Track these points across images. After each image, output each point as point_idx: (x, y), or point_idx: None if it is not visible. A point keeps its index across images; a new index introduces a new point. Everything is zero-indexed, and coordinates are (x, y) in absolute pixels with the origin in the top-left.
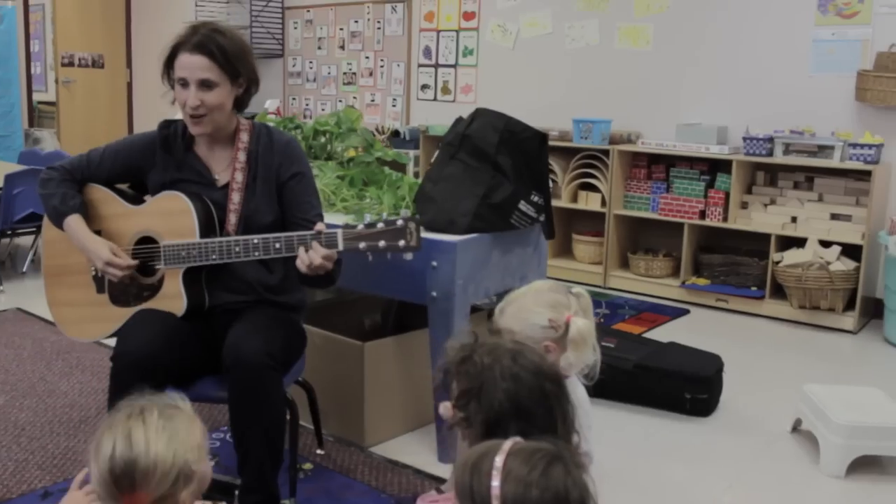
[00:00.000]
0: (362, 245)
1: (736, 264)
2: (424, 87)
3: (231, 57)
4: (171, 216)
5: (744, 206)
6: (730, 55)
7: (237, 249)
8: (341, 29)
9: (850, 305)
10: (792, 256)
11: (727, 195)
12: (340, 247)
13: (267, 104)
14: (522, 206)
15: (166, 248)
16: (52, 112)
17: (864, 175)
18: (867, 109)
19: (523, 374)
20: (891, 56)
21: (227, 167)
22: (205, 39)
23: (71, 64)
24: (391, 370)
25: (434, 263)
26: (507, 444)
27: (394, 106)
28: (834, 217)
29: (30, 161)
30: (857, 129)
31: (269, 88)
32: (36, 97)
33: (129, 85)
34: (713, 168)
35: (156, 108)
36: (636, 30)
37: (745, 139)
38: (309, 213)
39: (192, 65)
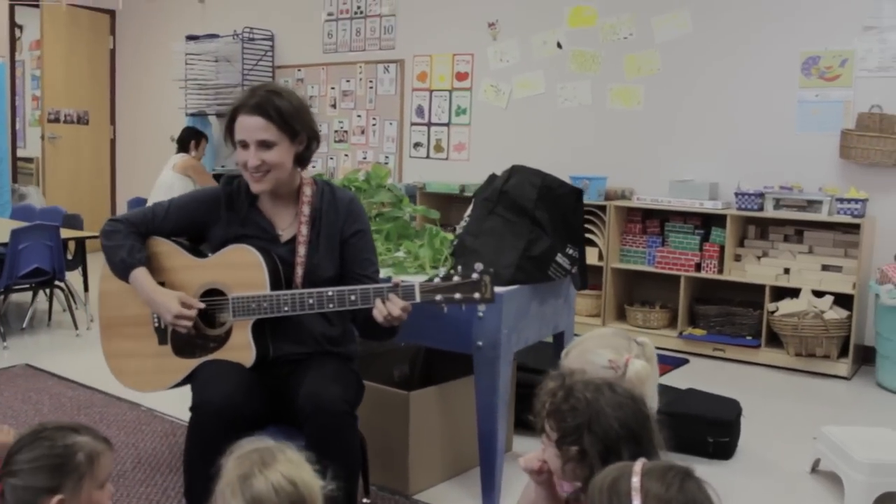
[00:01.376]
0: (439, 297)
1: (731, 314)
2: (417, 144)
3: (288, 117)
4: (239, 269)
5: (737, 258)
6: (719, 114)
7: (310, 301)
8: (333, 88)
9: (843, 352)
10: (787, 306)
11: (722, 248)
12: (418, 299)
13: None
14: (559, 258)
15: (235, 300)
16: (29, 168)
17: (852, 228)
18: (851, 166)
19: (625, 401)
20: (871, 116)
21: (290, 223)
22: (262, 101)
23: (57, 120)
24: (434, 419)
25: (480, 314)
26: (638, 466)
27: (386, 163)
28: (825, 268)
29: (23, 216)
30: (842, 184)
31: None
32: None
33: (113, 141)
34: (705, 223)
35: (138, 163)
36: (628, 90)
37: (736, 194)
38: (368, 270)
39: (251, 126)
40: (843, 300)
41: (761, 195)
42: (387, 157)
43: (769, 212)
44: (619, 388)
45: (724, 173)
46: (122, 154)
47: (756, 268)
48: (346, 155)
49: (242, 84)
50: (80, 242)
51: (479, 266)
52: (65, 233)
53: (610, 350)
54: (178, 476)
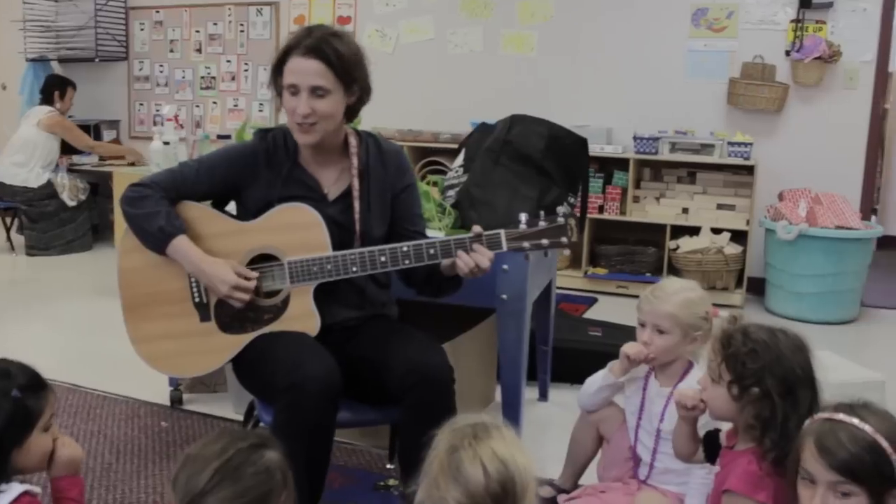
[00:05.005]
0: (526, 244)
1: (631, 253)
2: None
3: (347, 63)
4: (294, 230)
5: (636, 199)
6: (612, 61)
7: (382, 259)
8: (198, 31)
9: (737, 284)
10: (689, 244)
11: (624, 190)
12: (504, 247)
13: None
14: (564, 208)
15: (293, 264)
16: None
17: (741, 169)
18: (737, 112)
19: (801, 345)
20: (755, 66)
21: (335, 180)
22: (320, 43)
23: None
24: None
25: (505, 266)
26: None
27: (261, 111)
28: (720, 207)
29: None
30: (729, 129)
31: (112, 94)
32: None
33: None
34: (602, 167)
35: None
36: (521, 37)
37: (635, 139)
38: (419, 225)
39: (306, 70)
40: (736, 236)
41: (657, 139)
42: (261, 104)
43: (665, 155)
44: (790, 332)
45: (617, 119)
46: None
47: (656, 208)
48: (215, 102)
49: (95, 27)
50: None
51: (561, 209)
52: None
53: (706, 303)
54: (173, 463)
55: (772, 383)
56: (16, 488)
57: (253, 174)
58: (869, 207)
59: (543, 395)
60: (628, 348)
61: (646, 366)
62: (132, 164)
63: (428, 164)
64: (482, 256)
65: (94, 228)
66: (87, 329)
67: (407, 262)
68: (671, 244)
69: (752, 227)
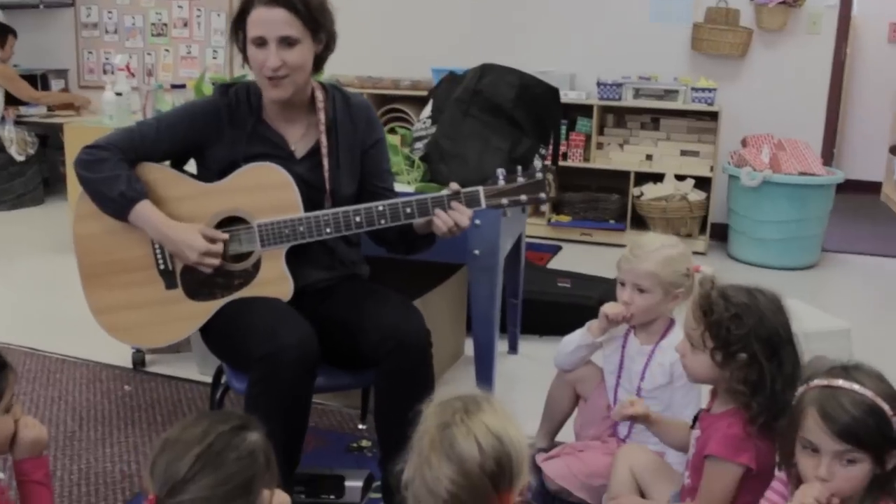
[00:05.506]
0: (505, 201)
1: (594, 200)
2: None
3: (313, 9)
4: (262, 191)
5: (599, 146)
6: (575, 6)
7: (357, 220)
8: None
9: (701, 230)
10: (653, 190)
11: (588, 137)
12: (483, 205)
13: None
14: (536, 160)
15: (263, 226)
16: None
17: (704, 115)
18: (701, 57)
19: (779, 305)
20: (718, 10)
21: (301, 137)
22: None
23: None
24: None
25: (478, 221)
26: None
27: (215, 58)
28: (684, 153)
29: None
30: (693, 75)
31: (58, 42)
32: None
33: None
34: (566, 113)
35: None
36: None
37: (598, 84)
38: (388, 182)
39: (272, 19)
40: (699, 182)
41: (620, 85)
42: (215, 51)
43: (629, 101)
44: (766, 291)
45: (581, 64)
46: None
47: (620, 155)
48: (167, 50)
49: None
50: None
51: (538, 164)
52: None
53: (687, 259)
54: (138, 429)
55: (758, 347)
56: None
57: (216, 132)
58: (830, 153)
59: (513, 348)
60: (608, 308)
61: (625, 325)
62: (77, 110)
63: (388, 112)
64: (461, 215)
65: (44, 182)
66: (42, 288)
67: (383, 221)
68: (635, 191)
69: (715, 173)
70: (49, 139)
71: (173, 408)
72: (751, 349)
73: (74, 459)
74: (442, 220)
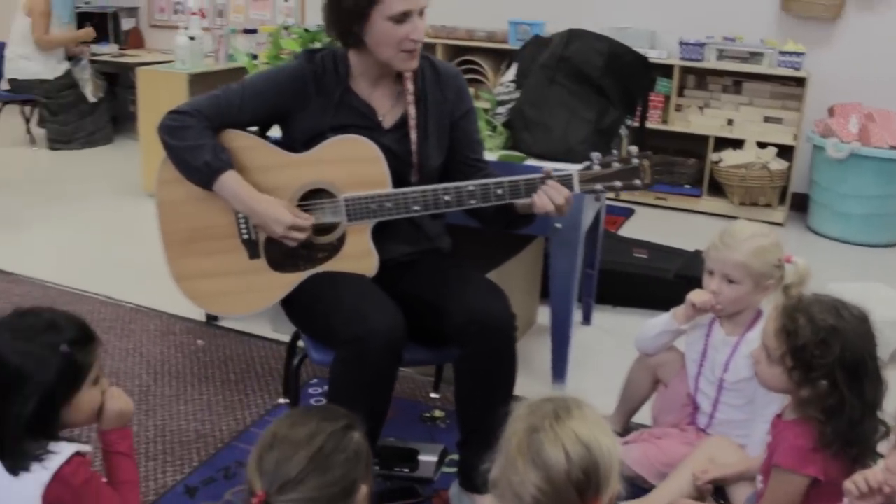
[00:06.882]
0: (599, 186)
1: (671, 164)
2: None
3: None
4: (350, 164)
5: (678, 108)
6: None
7: (447, 199)
8: None
9: (780, 200)
10: (732, 157)
11: (667, 98)
12: (577, 189)
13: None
14: (622, 130)
15: (350, 200)
16: None
17: (789, 80)
18: (790, 19)
19: (866, 327)
20: None
21: (390, 107)
22: None
23: None
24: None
25: None
26: None
27: (286, 1)
28: (767, 120)
29: None
30: (780, 37)
31: None
32: None
33: None
34: None
35: None
36: None
37: (681, 44)
38: (479, 152)
39: None
40: (782, 151)
41: (703, 45)
42: None
43: (711, 62)
44: (853, 308)
45: (662, 22)
46: None
47: (699, 118)
48: None
49: None
50: None
51: (634, 149)
52: None
53: (779, 248)
54: (212, 386)
55: (841, 376)
56: (67, 449)
57: (302, 100)
58: None
59: (587, 319)
60: (695, 297)
61: (711, 313)
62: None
63: (462, 63)
64: (559, 195)
65: (113, 120)
66: (114, 233)
67: (473, 201)
68: (713, 157)
69: (799, 142)
70: (119, 77)
71: (246, 366)
72: (832, 377)
73: (150, 415)
74: (541, 203)
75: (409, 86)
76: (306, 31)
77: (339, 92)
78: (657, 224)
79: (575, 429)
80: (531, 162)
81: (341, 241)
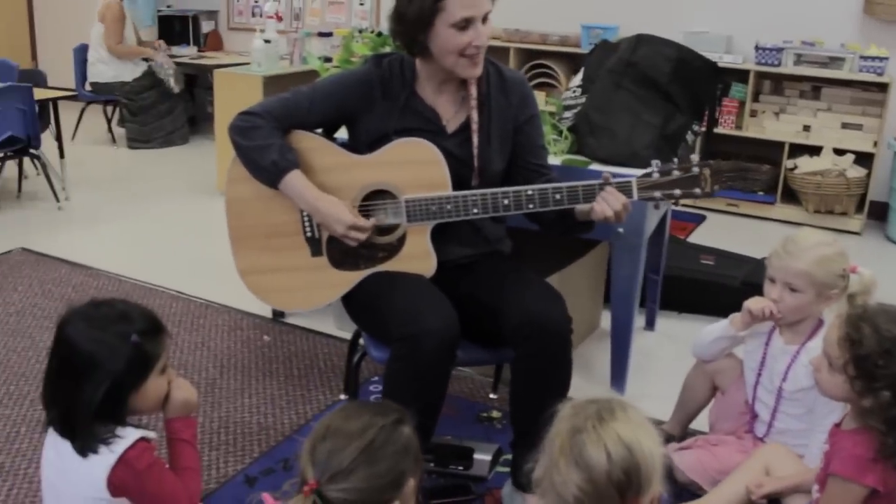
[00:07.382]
0: (658, 194)
1: (744, 170)
2: None
3: None
4: (412, 166)
5: (753, 114)
6: None
7: (506, 202)
8: None
9: (857, 209)
10: (808, 164)
11: (741, 104)
12: (635, 196)
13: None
14: (689, 136)
15: (410, 202)
16: None
17: (870, 86)
18: (871, 23)
19: None
20: None
21: (455, 112)
22: None
23: None
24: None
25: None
26: None
27: (362, 4)
28: (845, 126)
29: None
30: (862, 41)
31: None
32: None
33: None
34: None
35: (63, 26)
36: None
37: (757, 48)
38: (543, 157)
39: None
40: (860, 158)
41: (781, 50)
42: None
43: (789, 67)
44: None
45: (739, 26)
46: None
47: (775, 124)
48: None
49: None
50: (50, 104)
51: (695, 158)
52: (37, 93)
53: (843, 258)
54: (275, 381)
55: None
56: (132, 434)
57: (369, 103)
58: None
59: (650, 325)
60: (752, 304)
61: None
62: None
63: (535, 68)
64: (617, 201)
65: (190, 120)
66: (187, 230)
67: (531, 206)
68: (789, 163)
69: (879, 149)
70: (198, 79)
71: (310, 362)
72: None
73: (215, 407)
74: (601, 209)
75: (473, 91)
76: (378, 34)
77: (405, 96)
78: (728, 231)
79: (617, 430)
80: (595, 167)
81: (401, 241)
